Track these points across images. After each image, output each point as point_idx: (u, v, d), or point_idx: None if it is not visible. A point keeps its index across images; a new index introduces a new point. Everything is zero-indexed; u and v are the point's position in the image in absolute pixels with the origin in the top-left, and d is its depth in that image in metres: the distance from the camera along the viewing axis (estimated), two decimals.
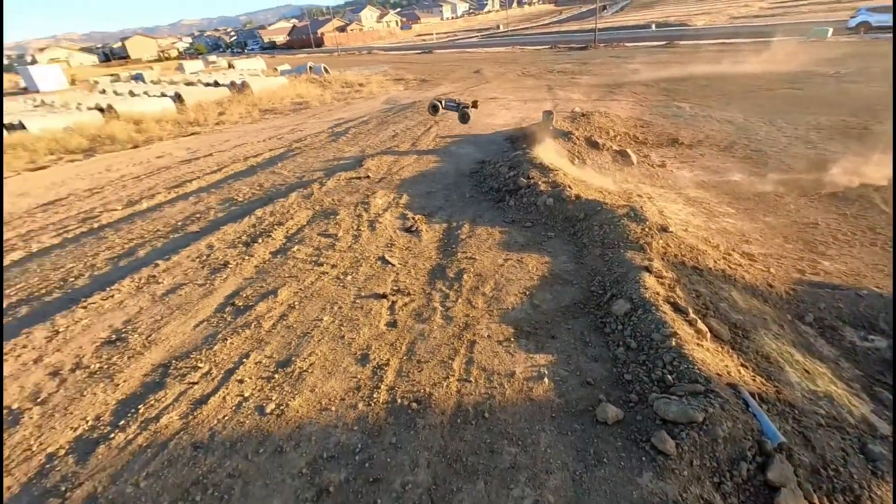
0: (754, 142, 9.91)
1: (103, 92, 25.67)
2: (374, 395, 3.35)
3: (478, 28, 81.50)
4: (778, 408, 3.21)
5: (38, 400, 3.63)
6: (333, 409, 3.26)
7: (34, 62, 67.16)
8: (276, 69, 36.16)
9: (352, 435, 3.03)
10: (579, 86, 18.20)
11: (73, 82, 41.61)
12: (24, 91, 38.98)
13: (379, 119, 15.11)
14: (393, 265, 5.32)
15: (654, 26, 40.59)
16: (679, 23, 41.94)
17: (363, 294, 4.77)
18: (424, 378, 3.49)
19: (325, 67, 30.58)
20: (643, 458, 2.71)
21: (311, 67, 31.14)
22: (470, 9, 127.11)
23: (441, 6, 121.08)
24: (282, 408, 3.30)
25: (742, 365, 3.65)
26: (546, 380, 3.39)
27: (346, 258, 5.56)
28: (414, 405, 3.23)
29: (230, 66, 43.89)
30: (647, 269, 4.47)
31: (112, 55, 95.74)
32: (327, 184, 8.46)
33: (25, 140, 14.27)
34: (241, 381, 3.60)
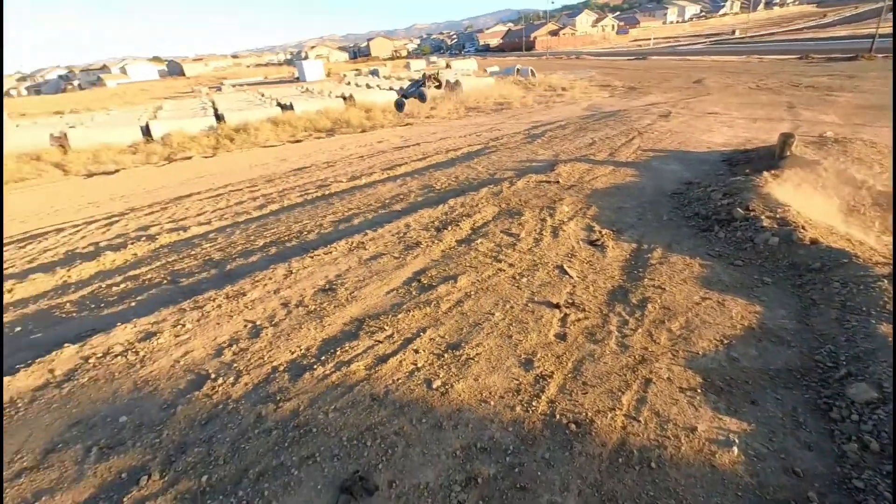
0: None
1: (348, 83, 31.00)
2: (534, 403, 3.32)
3: (707, 33, 72.43)
4: None
5: (273, 322, 4.64)
6: (492, 403, 3.35)
7: (306, 58, 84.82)
8: (485, 70, 38.36)
9: (506, 435, 3.06)
10: (835, 105, 14.67)
11: (328, 74, 51.36)
12: (296, 80, 49.73)
13: (577, 125, 14.76)
14: (571, 276, 5.17)
15: None
16: None
17: (536, 299, 4.75)
18: (588, 402, 3.31)
19: (531, 70, 31.16)
20: None
21: (518, 70, 32.10)
22: (701, 11, 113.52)
23: (666, 9, 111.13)
24: (447, 387, 3.53)
25: None
26: (735, 450, 2.87)
27: (525, 260, 5.61)
28: (573, 426, 3.10)
29: (447, 65, 48.21)
30: None
31: (358, 53, 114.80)
32: (517, 184, 8.65)
33: (291, 118, 18.18)
34: (416, 351, 3.98)
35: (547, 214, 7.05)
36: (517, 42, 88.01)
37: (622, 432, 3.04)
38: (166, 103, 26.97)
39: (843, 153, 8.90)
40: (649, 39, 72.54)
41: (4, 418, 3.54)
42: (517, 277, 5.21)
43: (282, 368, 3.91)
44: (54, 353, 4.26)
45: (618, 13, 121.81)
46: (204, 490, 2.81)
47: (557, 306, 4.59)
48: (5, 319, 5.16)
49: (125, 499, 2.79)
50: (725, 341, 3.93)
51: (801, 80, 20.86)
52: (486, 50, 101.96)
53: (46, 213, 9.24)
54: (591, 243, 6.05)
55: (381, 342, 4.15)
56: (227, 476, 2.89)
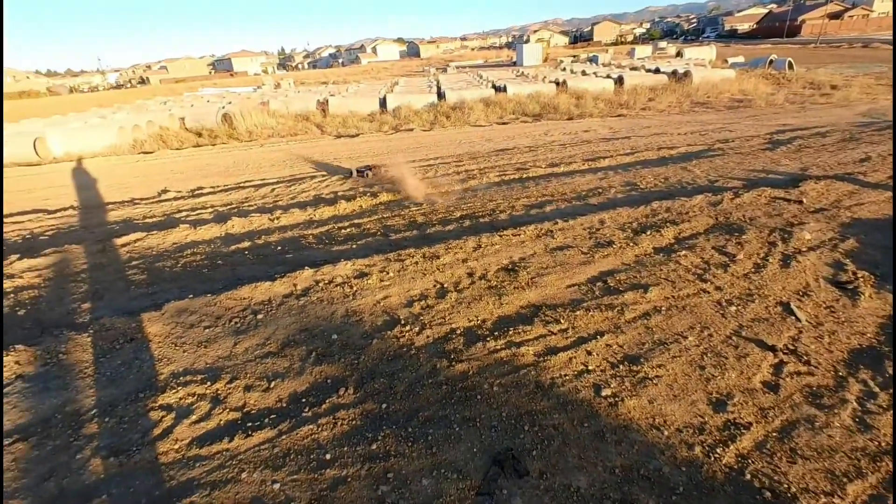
0: None
1: (563, 69, 30.47)
2: (718, 451, 2.87)
3: None
4: None
5: (457, 288, 5.02)
6: (665, 433, 3.02)
7: (527, 41, 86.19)
8: (726, 60, 32.98)
9: (676, 472, 2.73)
10: None
11: (545, 60, 51.29)
12: (513, 64, 51.03)
13: (846, 133, 11.60)
14: (799, 319, 4.20)
15: None
16: None
17: (744, 334, 4.02)
18: (794, 475, 2.70)
19: (790, 62, 25.51)
20: None
21: (771, 61, 26.67)
22: None
23: None
24: (616, 398, 3.31)
25: None
26: None
27: (738, 286, 4.77)
28: (767, 494, 2.58)
29: (678, 53, 43.08)
30: None
31: (580, 38, 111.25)
32: (743, 196, 7.32)
33: (503, 100, 18.85)
34: (589, 353, 3.82)
35: (779, 238, 5.82)
36: (776, 27, 72.69)
37: None
38: (401, 80, 30.95)
39: None
40: None
41: (260, 313, 4.72)
42: (724, 304, 4.48)
43: (459, 332, 4.22)
44: (297, 272, 5.45)
45: None
46: (382, 416, 3.28)
47: (773, 349, 3.80)
48: (270, 239, 6.81)
49: (327, 401, 3.45)
50: None
51: None
52: (732, 36, 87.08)
53: (303, 163, 11.73)
54: (838, 284, 4.77)
55: (554, 333, 4.11)
56: (401, 411, 3.31)
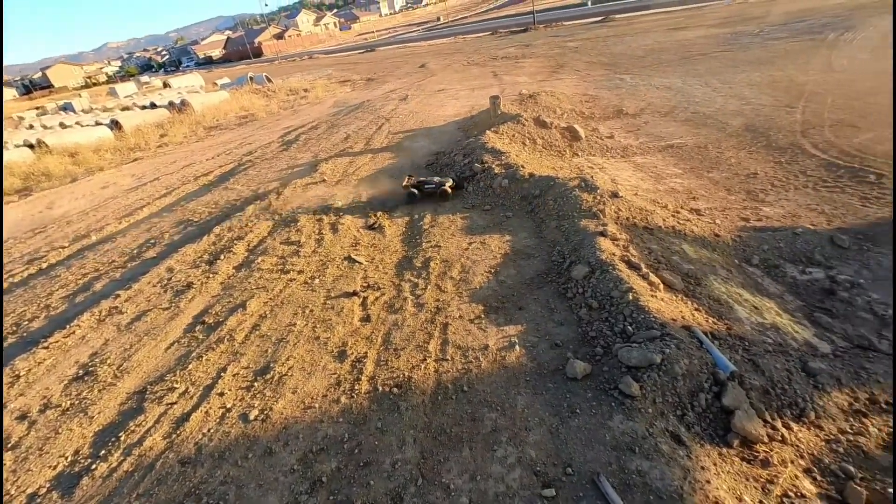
0: (693, 104, 10.42)
1: (30, 127, 24.18)
2: (356, 387, 3.44)
3: (418, 22, 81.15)
4: (729, 342, 3.50)
5: (10, 446, 3.52)
6: (317, 405, 3.33)
7: None
8: (215, 84, 35.00)
9: (338, 427, 3.11)
10: (524, 69, 18.53)
11: None
12: None
13: (329, 122, 14.97)
14: (360, 263, 5.38)
15: (590, 2, 41.51)
16: None
17: (333, 294, 4.82)
18: (403, 364, 3.60)
19: (266, 76, 29.85)
20: (612, 404, 2.92)
21: (251, 78, 30.34)
22: (407, 3, 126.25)
23: (378, 2, 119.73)
24: (266, 412, 3.34)
25: (696, 309, 3.93)
26: (518, 348, 3.56)
27: (313, 262, 5.58)
28: (395, 390, 3.34)
29: (165, 85, 42.13)
30: (602, 234, 4.71)
31: (33, 86, 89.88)
32: (284, 193, 8.37)
33: None
34: (221, 395, 3.61)
35: (322, 214, 7.08)
36: (243, 50, 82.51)
37: (436, 375, 3.43)
38: None
39: (535, 104, 11.39)
40: (373, 32, 77.28)
41: None
42: (309, 281, 5.15)
43: (43, 492, 3.05)
44: None
45: (335, 10, 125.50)
46: None
47: (355, 293, 4.75)
48: None
49: None
50: (493, 271, 4.75)
51: (497, 53, 25.48)
52: (209, 62, 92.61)
53: None
54: (370, 227, 6.37)
55: (174, 403, 3.62)
56: None
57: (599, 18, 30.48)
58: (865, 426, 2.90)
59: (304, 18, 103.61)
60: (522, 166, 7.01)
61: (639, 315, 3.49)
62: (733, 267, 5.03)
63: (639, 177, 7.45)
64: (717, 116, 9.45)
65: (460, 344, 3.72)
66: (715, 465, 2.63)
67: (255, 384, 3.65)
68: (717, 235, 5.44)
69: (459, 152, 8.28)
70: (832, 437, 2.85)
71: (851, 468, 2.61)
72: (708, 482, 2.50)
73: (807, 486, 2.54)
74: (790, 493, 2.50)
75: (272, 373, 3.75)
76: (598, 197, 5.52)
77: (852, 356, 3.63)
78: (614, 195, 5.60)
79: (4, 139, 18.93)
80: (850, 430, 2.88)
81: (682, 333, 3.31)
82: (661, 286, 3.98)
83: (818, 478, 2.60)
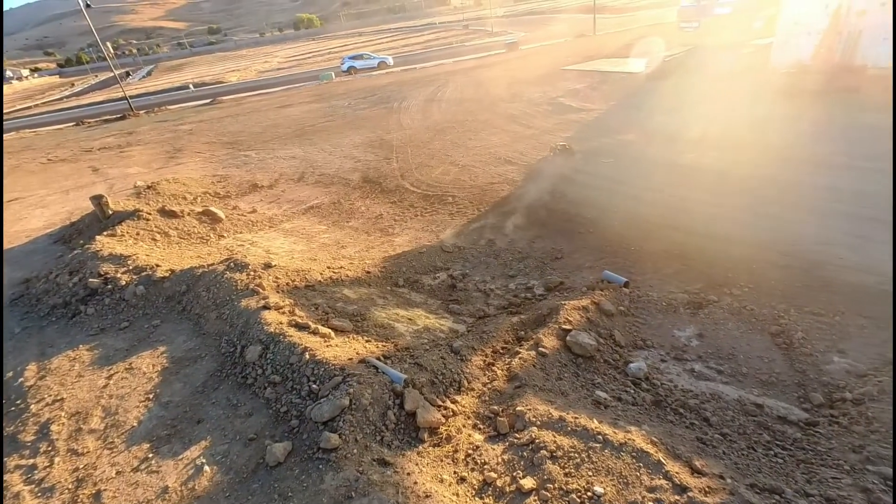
0: (318, 168, 11.73)
1: None
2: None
3: None
4: (399, 356, 4.08)
5: None
6: None
7: None
8: None
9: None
10: (133, 158, 16.39)
11: None
12: None
13: None
14: None
15: (192, 86, 40.69)
16: (215, 81, 43.68)
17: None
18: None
19: None
20: (320, 466, 2.91)
21: None
22: None
23: None
24: None
25: (367, 341, 4.41)
26: (206, 468, 3.06)
27: None
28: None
29: None
30: (265, 307, 4.66)
31: None
32: None
33: None
34: None
35: None
36: None
37: None
38: None
39: (157, 194, 10.21)
40: None
41: None
42: None
43: None
44: None
45: None
46: None
47: None
48: None
49: None
50: (151, 396, 3.93)
51: (91, 144, 21.43)
52: None
53: None
54: None
55: None
56: None
57: (207, 101, 30.35)
58: (495, 373, 3.95)
59: None
60: (158, 265, 6.14)
61: (319, 369, 3.62)
62: (387, 293, 5.94)
63: (291, 241, 7.82)
64: (339, 174, 11.01)
65: None
66: (417, 464, 3.00)
67: None
68: (369, 272, 6.31)
69: (64, 271, 6.46)
70: (481, 392, 3.76)
71: (496, 406, 3.51)
72: (416, 483, 2.82)
73: (476, 436, 3.24)
74: (469, 451, 3.12)
75: None
76: (252, 273, 5.44)
77: (477, 325, 4.90)
78: (267, 266, 5.65)
79: None
80: (488, 381, 3.87)
81: (360, 367, 3.64)
82: (333, 334, 4.28)
83: (481, 426, 3.36)
